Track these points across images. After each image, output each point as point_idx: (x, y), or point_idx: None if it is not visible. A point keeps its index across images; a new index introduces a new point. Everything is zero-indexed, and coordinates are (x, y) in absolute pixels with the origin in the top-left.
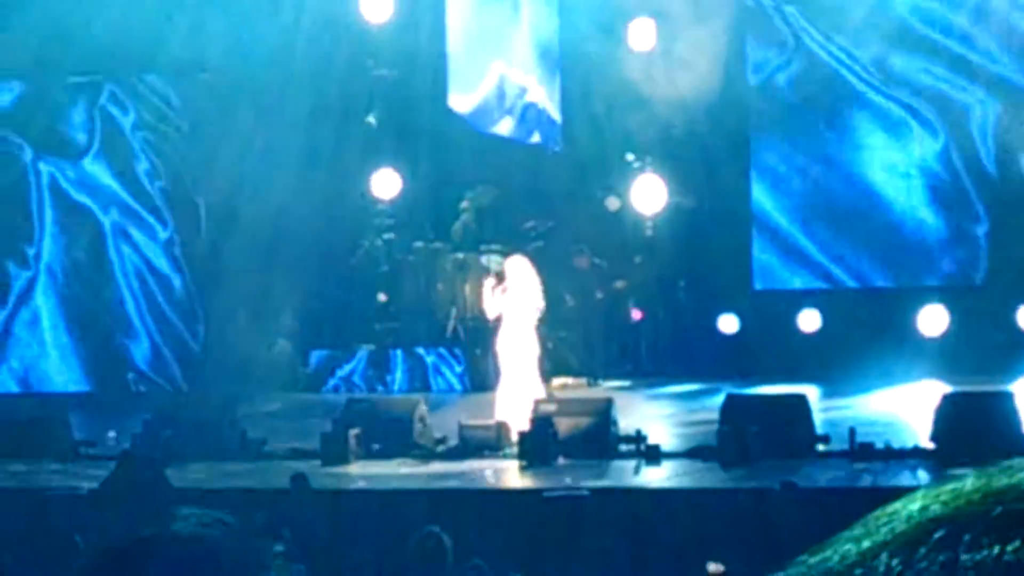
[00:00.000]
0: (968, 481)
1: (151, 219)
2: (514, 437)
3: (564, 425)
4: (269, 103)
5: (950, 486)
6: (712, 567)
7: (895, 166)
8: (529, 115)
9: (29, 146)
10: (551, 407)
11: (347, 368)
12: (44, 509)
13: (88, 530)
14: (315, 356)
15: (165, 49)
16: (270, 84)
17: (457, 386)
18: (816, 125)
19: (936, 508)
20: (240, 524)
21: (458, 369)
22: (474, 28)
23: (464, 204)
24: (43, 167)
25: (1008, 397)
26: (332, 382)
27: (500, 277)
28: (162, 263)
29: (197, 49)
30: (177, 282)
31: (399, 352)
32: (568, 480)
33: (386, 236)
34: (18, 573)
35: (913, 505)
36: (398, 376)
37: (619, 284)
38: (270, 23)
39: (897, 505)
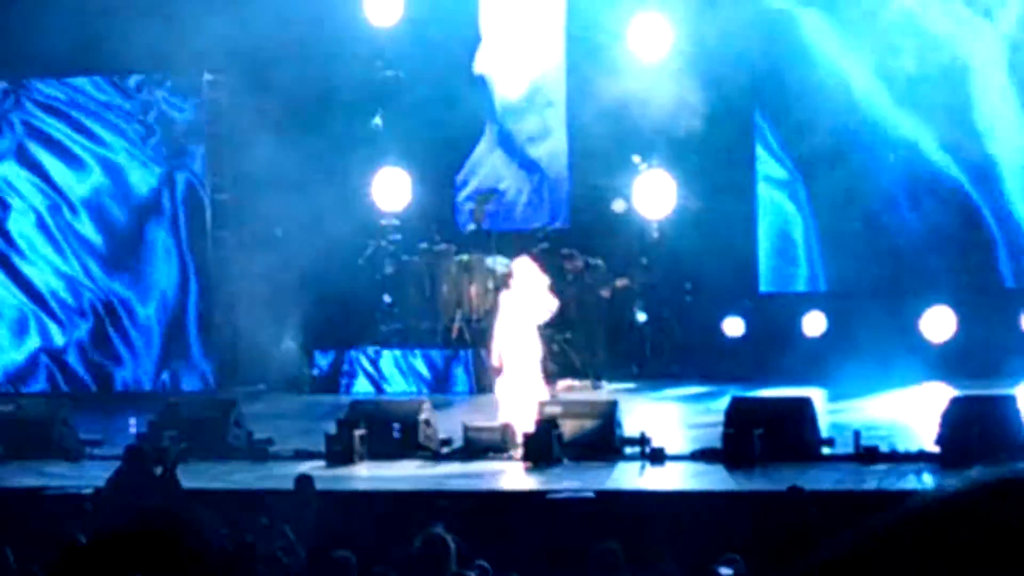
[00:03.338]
0: None
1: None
2: (519, 439)
3: (569, 427)
4: (276, 104)
5: None
6: (723, 570)
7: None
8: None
9: None
10: (556, 409)
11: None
12: (47, 509)
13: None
14: (323, 358)
15: (171, 50)
16: (277, 84)
17: (461, 388)
18: None
19: None
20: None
21: (462, 371)
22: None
23: (473, 206)
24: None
25: (1012, 401)
26: (339, 383)
27: (506, 279)
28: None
29: (203, 50)
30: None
31: (403, 353)
32: (573, 482)
33: (392, 237)
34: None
35: None
36: (401, 377)
37: (620, 282)
38: (277, 23)
39: None
